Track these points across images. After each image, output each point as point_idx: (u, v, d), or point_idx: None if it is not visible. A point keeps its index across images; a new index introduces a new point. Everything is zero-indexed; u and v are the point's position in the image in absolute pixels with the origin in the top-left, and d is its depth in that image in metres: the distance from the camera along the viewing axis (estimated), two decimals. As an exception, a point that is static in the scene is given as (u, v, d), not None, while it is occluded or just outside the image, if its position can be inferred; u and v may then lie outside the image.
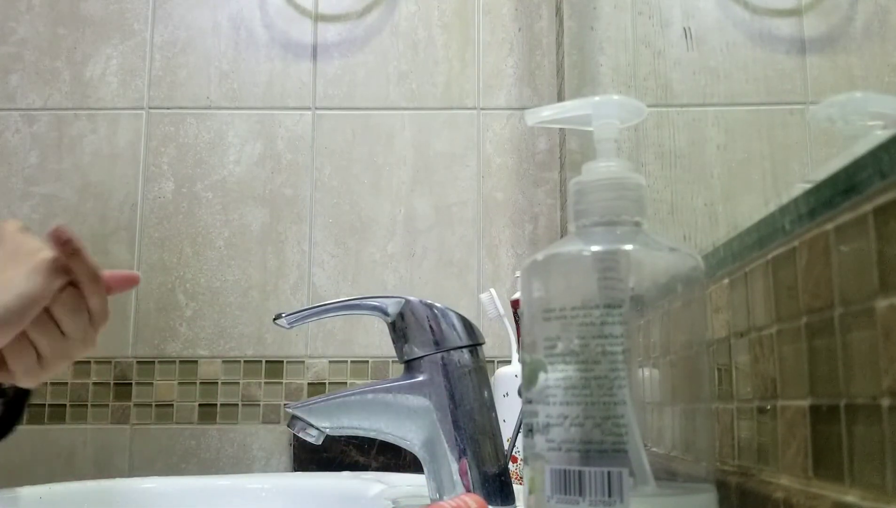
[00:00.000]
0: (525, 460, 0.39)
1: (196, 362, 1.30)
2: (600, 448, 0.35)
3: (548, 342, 0.37)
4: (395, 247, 1.32)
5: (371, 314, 0.62)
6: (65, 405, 1.29)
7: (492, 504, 0.58)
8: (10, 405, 0.79)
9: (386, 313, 0.62)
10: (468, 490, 0.58)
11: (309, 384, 1.29)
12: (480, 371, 0.61)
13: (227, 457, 1.28)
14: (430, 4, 1.38)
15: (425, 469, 0.61)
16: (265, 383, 1.30)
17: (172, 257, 1.33)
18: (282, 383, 1.30)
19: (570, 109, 0.42)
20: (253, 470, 1.28)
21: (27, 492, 0.72)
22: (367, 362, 1.30)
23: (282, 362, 1.30)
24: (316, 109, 1.36)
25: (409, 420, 0.60)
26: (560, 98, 1.29)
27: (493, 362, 1.10)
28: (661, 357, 0.39)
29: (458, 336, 0.60)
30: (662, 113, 0.87)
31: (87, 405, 1.30)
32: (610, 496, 0.34)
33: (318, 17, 1.38)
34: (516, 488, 0.61)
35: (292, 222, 1.33)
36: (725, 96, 0.76)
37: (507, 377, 0.89)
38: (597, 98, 0.41)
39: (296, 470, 1.23)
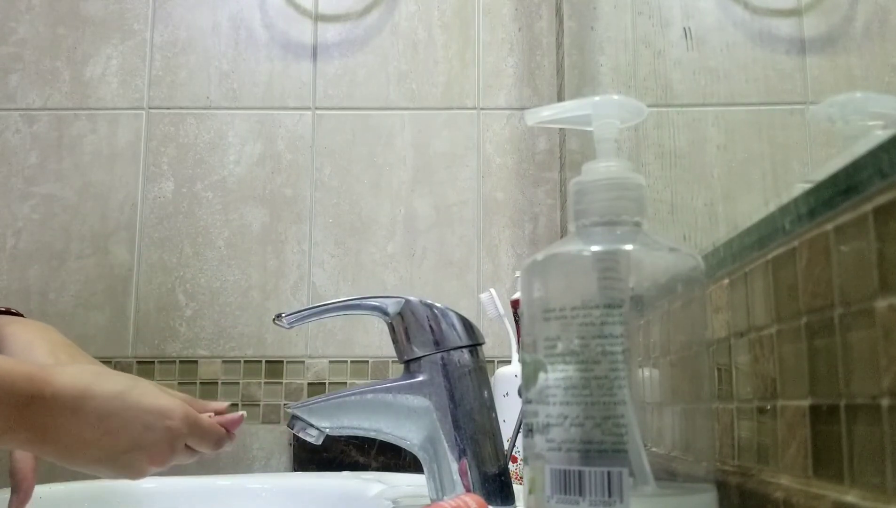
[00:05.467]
0: (525, 460, 0.39)
1: (196, 362, 1.30)
2: (600, 448, 0.35)
3: (548, 342, 0.37)
4: (395, 247, 1.32)
5: (371, 314, 0.62)
6: (65, 405, 1.29)
7: (492, 504, 0.58)
8: None
9: (386, 313, 0.61)
10: (468, 490, 0.58)
11: (309, 384, 1.29)
12: (480, 371, 0.61)
13: (227, 457, 1.28)
14: (430, 4, 1.38)
15: (425, 469, 0.61)
16: (265, 383, 1.30)
17: (172, 257, 1.33)
18: (282, 383, 1.30)
19: (570, 109, 0.42)
20: (253, 470, 1.28)
21: (27, 492, 0.72)
22: (367, 362, 1.30)
23: (282, 362, 1.30)
24: (316, 109, 1.36)
25: (409, 420, 0.60)
26: (560, 98, 1.29)
27: (493, 362, 1.10)
28: (661, 357, 0.39)
29: (458, 336, 0.60)
30: (662, 113, 0.87)
31: (87, 405, 1.29)
32: (610, 496, 0.34)
33: (318, 18, 1.38)
34: (516, 488, 0.61)
35: (292, 222, 1.33)
36: (725, 96, 0.76)
37: (507, 377, 0.89)
38: (597, 98, 0.41)
39: (296, 470, 1.23)
